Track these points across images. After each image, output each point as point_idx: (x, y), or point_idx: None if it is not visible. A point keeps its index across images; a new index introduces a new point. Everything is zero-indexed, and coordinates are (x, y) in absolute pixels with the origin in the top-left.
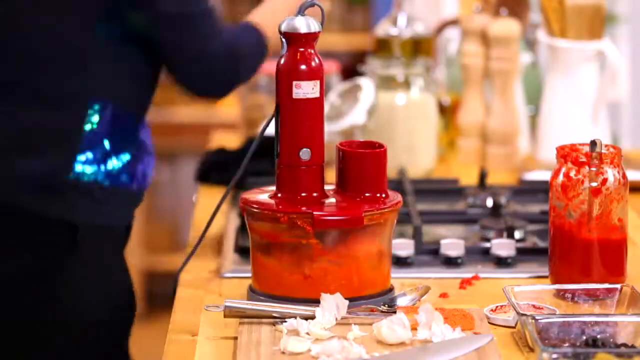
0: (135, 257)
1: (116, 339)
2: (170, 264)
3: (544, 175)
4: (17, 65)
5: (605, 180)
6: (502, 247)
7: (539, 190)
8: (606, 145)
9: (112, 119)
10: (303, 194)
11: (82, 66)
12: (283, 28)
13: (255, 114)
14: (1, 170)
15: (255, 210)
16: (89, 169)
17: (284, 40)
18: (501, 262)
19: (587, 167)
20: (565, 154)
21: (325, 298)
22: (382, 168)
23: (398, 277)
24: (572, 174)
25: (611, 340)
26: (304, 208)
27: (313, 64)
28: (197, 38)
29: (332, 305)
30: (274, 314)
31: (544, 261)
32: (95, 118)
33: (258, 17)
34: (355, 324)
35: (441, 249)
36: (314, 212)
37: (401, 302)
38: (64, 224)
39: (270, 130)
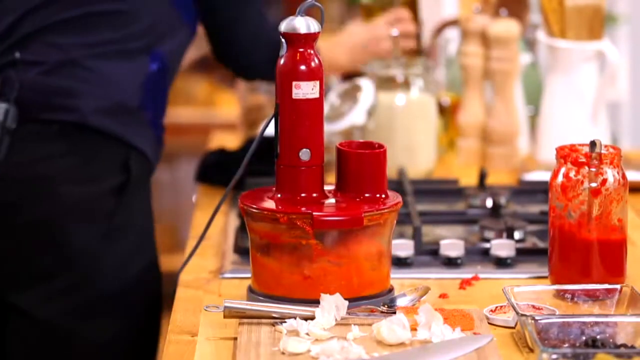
0: None
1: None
2: (170, 264)
3: (544, 176)
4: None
5: (604, 181)
6: (502, 247)
7: (539, 190)
8: (606, 146)
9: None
10: (303, 195)
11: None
12: (282, 28)
13: (255, 115)
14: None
15: (255, 210)
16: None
17: (283, 40)
18: (501, 263)
19: (586, 168)
20: (565, 154)
21: (325, 298)
22: (382, 168)
23: (398, 278)
24: (572, 174)
25: (611, 340)
26: (303, 208)
27: (313, 64)
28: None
29: (332, 305)
30: (274, 315)
31: (543, 262)
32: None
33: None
34: (355, 324)
35: (441, 250)
36: (314, 213)
37: (401, 302)
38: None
39: (270, 130)
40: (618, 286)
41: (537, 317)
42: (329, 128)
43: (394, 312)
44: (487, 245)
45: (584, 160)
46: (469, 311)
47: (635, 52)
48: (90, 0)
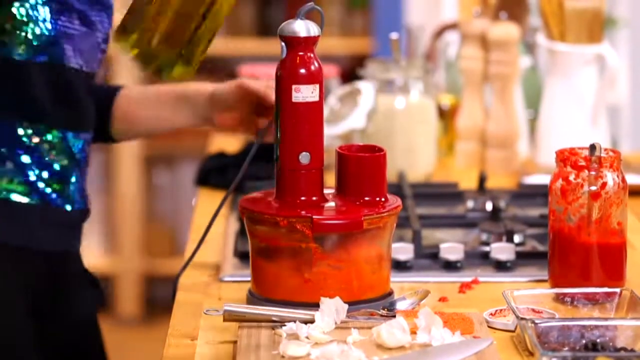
0: (135, 261)
1: None
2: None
3: (544, 179)
4: None
5: (604, 184)
6: (502, 251)
7: (539, 194)
8: (605, 149)
9: None
10: (302, 198)
11: None
12: (282, 32)
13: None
14: None
15: (255, 214)
16: None
17: (283, 44)
18: (500, 266)
19: (586, 171)
20: (565, 157)
21: (325, 302)
22: (382, 172)
23: (397, 281)
24: (572, 177)
25: (610, 344)
26: (303, 212)
27: (313, 67)
28: None
29: (332, 309)
30: (274, 318)
31: (543, 265)
32: None
33: None
34: (354, 328)
35: (440, 253)
36: (314, 216)
37: (401, 306)
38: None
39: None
40: (618, 290)
41: (536, 321)
42: (328, 131)
43: (394, 316)
44: (486, 248)
45: (583, 163)
46: (469, 315)
47: (635, 55)
48: None
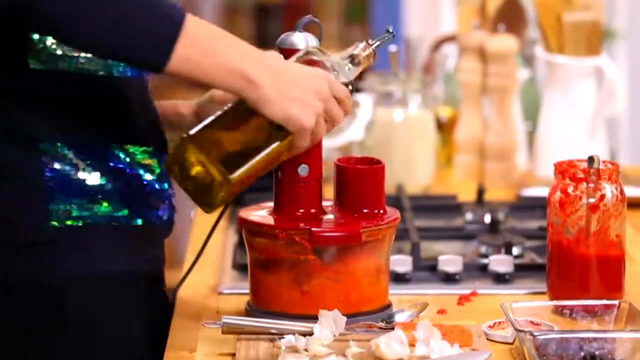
0: None
1: None
2: (168, 280)
3: (542, 192)
4: None
5: (603, 197)
6: (500, 263)
7: (537, 206)
8: (604, 161)
9: None
10: (301, 210)
11: None
12: (281, 44)
13: None
14: None
15: (254, 226)
16: None
17: (282, 56)
18: (499, 278)
19: (584, 183)
20: (563, 170)
21: (323, 314)
22: (380, 184)
23: (396, 294)
24: (570, 190)
25: (609, 356)
26: (302, 224)
27: None
28: None
29: (330, 321)
30: (272, 330)
31: (542, 277)
32: None
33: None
34: (353, 340)
35: (439, 265)
36: (312, 229)
37: (399, 318)
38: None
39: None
40: (616, 302)
41: (535, 333)
42: (327, 143)
43: (393, 328)
44: (485, 260)
45: (582, 175)
46: (468, 327)
47: (634, 67)
48: None
